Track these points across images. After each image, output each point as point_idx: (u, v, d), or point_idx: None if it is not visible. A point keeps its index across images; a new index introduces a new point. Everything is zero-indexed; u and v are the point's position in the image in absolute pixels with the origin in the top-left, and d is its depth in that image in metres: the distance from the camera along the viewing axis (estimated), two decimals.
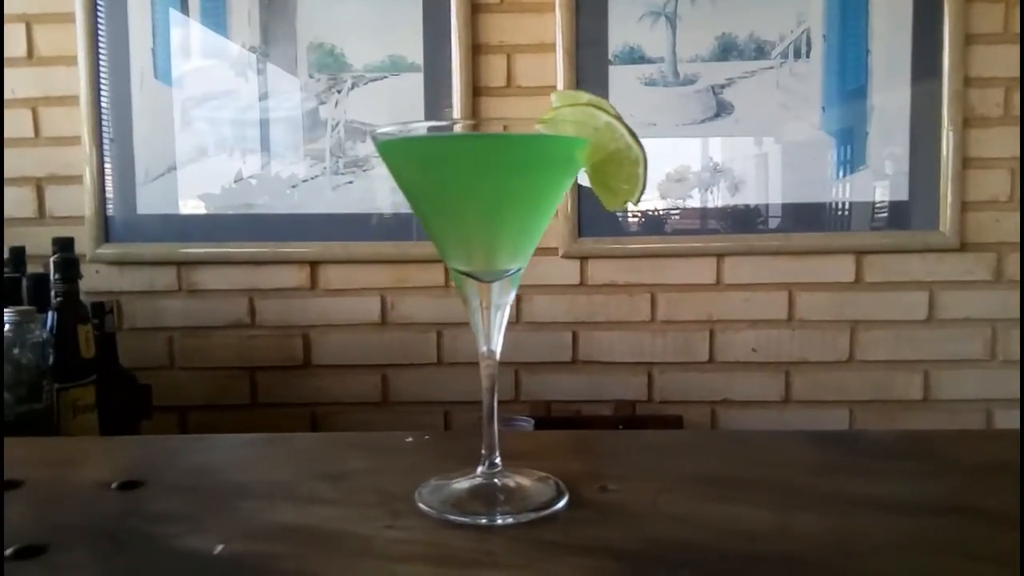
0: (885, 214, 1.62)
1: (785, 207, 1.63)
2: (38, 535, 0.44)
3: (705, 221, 1.64)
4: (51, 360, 1.21)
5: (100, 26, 1.61)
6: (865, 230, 1.62)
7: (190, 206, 1.67)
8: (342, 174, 1.64)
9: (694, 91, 1.61)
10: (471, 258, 0.47)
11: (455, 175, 0.45)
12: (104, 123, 1.63)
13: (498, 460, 0.50)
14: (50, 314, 1.28)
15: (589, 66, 1.60)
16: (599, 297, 1.65)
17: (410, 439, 0.62)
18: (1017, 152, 1.59)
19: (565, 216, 1.61)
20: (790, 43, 1.59)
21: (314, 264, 1.67)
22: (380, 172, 1.64)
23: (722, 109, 1.61)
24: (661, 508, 0.47)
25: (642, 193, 0.47)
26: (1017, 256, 1.61)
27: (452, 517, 0.46)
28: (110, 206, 1.65)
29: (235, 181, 1.65)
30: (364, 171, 1.64)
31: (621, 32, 1.60)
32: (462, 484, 0.50)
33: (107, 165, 1.64)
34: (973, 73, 1.58)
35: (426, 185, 0.47)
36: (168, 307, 1.68)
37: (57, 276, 1.29)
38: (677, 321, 1.66)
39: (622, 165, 0.47)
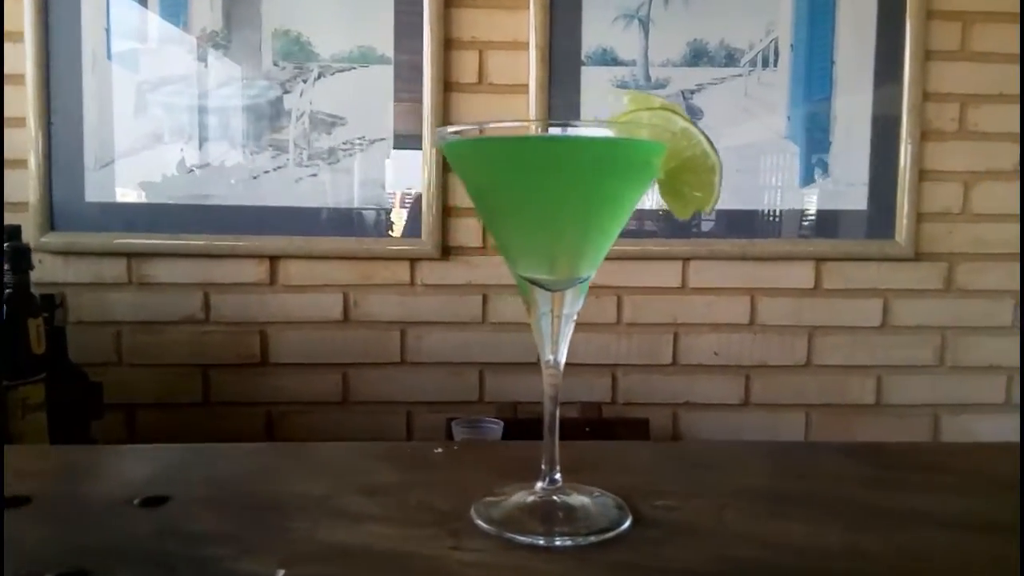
0: (845, 223, 1.66)
1: (748, 213, 1.65)
2: (67, 558, 0.41)
3: (671, 225, 1.65)
4: None
5: (49, 2, 1.52)
6: (825, 238, 1.66)
7: (142, 195, 1.59)
8: (306, 166, 1.59)
9: (664, 95, 1.61)
10: (543, 265, 0.45)
11: (532, 178, 0.43)
12: (51, 105, 1.54)
13: (558, 476, 0.48)
14: None
15: (562, 66, 1.59)
16: None
17: (439, 450, 0.60)
18: (970, 166, 1.65)
19: None
20: (759, 51, 1.61)
21: (274, 259, 1.61)
22: (345, 165, 1.59)
23: (691, 114, 1.61)
24: (728, 526, 0.46)
25: (716, 202, 0.46)
26: (967, 266, 1.67)
27: (518, 537, 0.44)
28: (56, 193, 1.56)
29: (191, 170, 1.58)
30: (329, 164, 1.59)
31: (594, 33, 1.59)
32: (521, 501, 0.48)
33: (53, 149, 1.55)
34: (931, 88, 1.63)
35: (497, 188, 0.45)
36: (117, 300, 1.60)
37: (7, 267, 1.21)
38: (642, 324, 1.66)
39: (697, 173, 0.46)
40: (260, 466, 0.57)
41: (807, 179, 1.65)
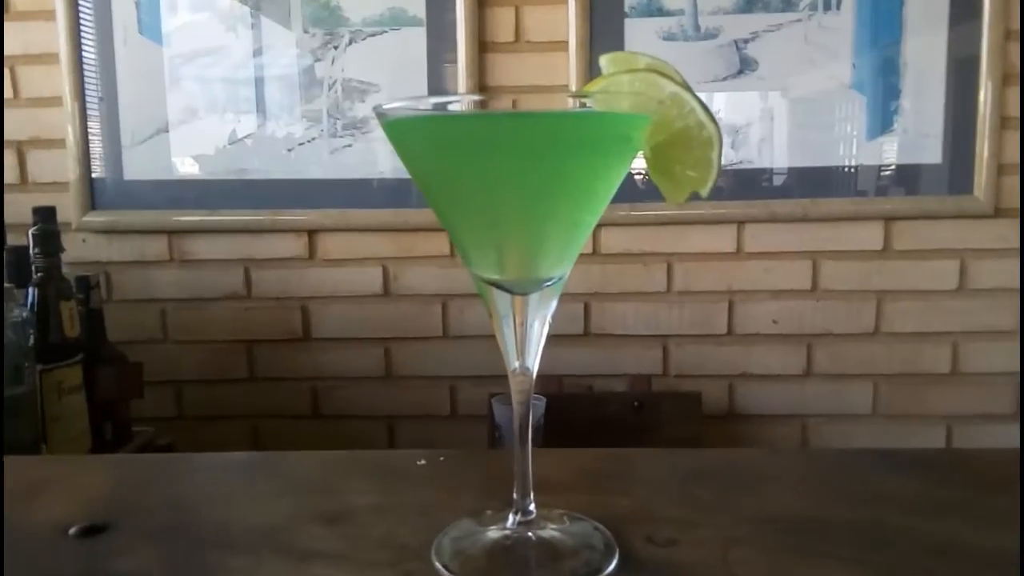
0: (917, 177, 1.53)
1: (810, 170, 1.53)
2: None
3: (726, 186, 1.54)
4: (32, 340, 1.13)
5: None
6: (895, 195, 1.53)
7: (181, 170, 1.57)
8: (340, 136, 1.55)
9: (716, 46, 1.50)
10: (502, 266, 0.39)
11: (482, 163, 0.36)
12: (87, 82, 1.53)
13: (532, 507, 0.42)
14: (30, 290, 1.20)
15: (604, 19, 1.50)
16: (613, 267, 1.56)
17: (423, 462, 0.54)
18: None
19: None
20: None
21: (312, 232, 1.58)
22: (380, 134, 1.53)
23: (746, 65, 1.50)
24: (733, 569, 0.39)
25: (715, 183, 0.39)
26: None
27: None
28: (96, 171, 1.56)
29: (228, 144, 1.56)
30: (364, 133, 1.54)
31: None
32: (490, 537, 0.42)
33: (91, 127, 1.54)
34: (1014, 25, 1.47)
35: (444, 176, 0.39)
36: (160, 278, 1.60)
37: (37, 250, 1.21)
38: (694, 292, 1.58)
39: (690, 148, 0.38)
40: (225, 486, 0.52)
41: (875, 132, 1.52)
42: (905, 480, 0.50)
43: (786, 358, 1.60)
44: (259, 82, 1.54)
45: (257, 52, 1.54)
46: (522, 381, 0.41)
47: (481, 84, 1.51)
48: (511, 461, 0.55)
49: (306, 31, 1.52)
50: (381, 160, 1.55)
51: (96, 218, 1.56)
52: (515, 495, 0.42)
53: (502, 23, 1.52)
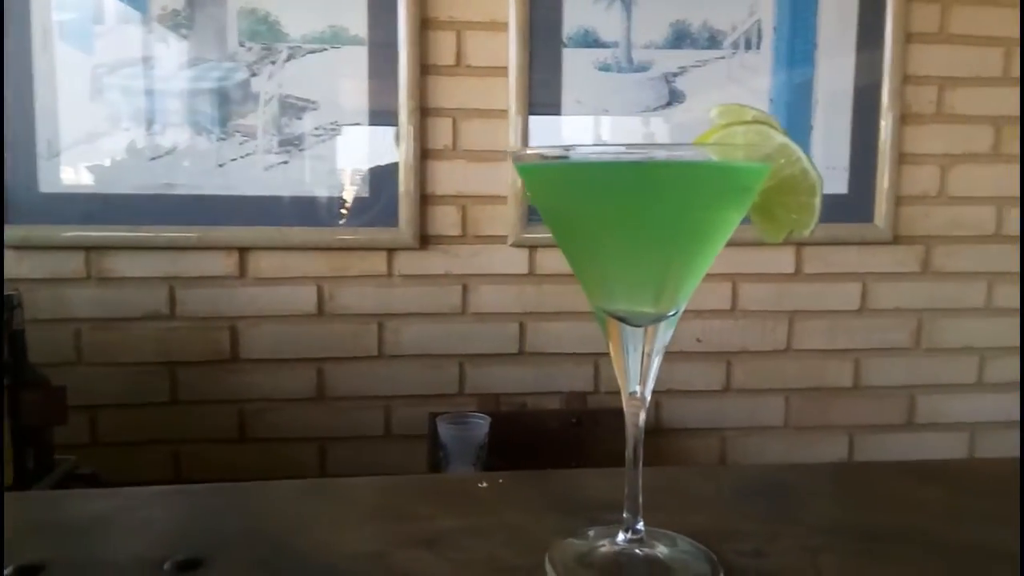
0: (825, 207, 1.64)
1: None
2: None
3: None
4: None
5: None
6: None
7: (100, 184, 1.50)
8: (276, 153, 1.52)
9: (647, 78, 1.57)
10: (631, 300, 0.41)
11: (612, 207, 0.39)
12: None
13: (641, 526, 0.44)
14: None
15: (542, 47, 1.54)
16: (548, 287, 1.60)
17: (484, 484, 0.55)
18: (947, 149, 1.66)
19: (515, 203, 1.55)
20: (742, 33, 1.58)
21: (243, 250, 1.54)
22: (317, 151, 1.52)
23: (674, 97, 1.58)
24: (827, 574, 0.43)
25: (816, 224, 0.43)
26: (943, 249, 1.68)
27: None
28: (7, 183, 1.46)
29: (153, 158, 1.50)
30: (300, 150, 1.52)
31: (576, 13, 1.54)
32: (602, 553, 0.44)
33: (4, 137, 1.45)
34: (911, 71, 1.62)
35: (574, 218, 0.41)
36: (75, 296, 1.51)
37: None
38: None
39: (796, 193, 0.42)
40: (296, 511, 0.52)
41: None
42: (927, 488, 0.56)
43: (707, 374, 1.68)
44: (188, 95, 1.49)
45: (188, 64, 1.49)
46: (636, 404, 0.44)
47: (422, 106, 1.52)
48: (566, 480, 0.58)
49: (242, 44, 1.49)
50: (317, 178, 1.53)
51: (7, 233, 1.45)
52: (625, 514, 0.44)
53: (443, 46, 1.53)
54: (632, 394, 0.44)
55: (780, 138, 0.42)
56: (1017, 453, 1.73)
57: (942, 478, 0.58)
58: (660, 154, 0.40)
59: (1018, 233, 1.68)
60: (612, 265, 0.41)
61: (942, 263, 1.69)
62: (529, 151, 0.40)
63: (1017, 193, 1.66)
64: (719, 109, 0.43)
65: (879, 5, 1.59)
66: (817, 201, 0.42)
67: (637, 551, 0.44)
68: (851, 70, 1.61)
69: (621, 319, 0.42)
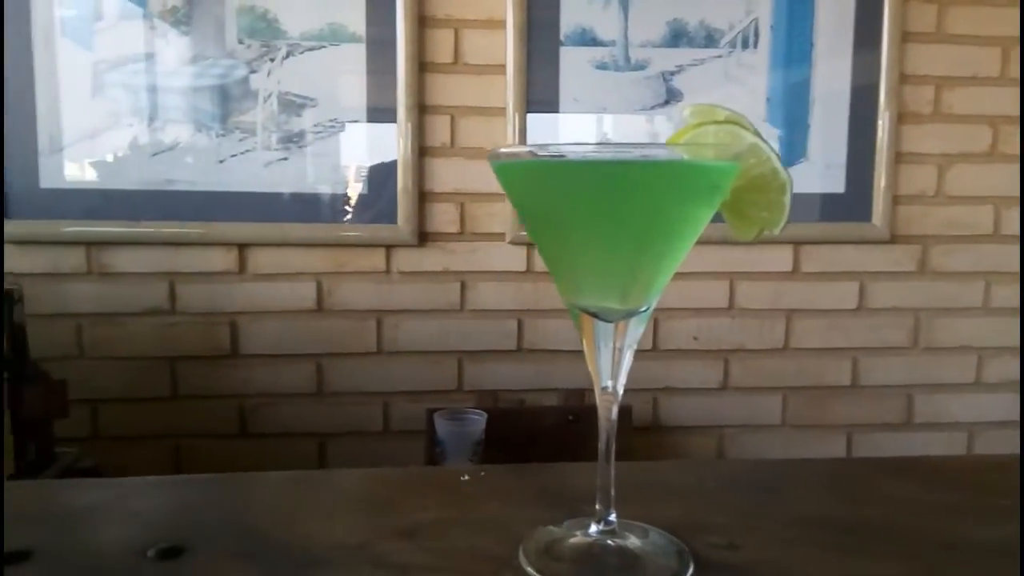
0: (823, 206, 1.65)
1: None
2: None
3: None
4: None
5: None
6: (803, 221, 1.66)
7: (101, 180, 1.51)
8: (275, 150, 1.53)
9: (644, 77, 1.58)
10: (603, 295, 0.42)
11: (584, 205, 0.40)
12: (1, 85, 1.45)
13: (613, 517, 0.45)
14: None
15: (540, 46, 1.55)
16: (545, 284, 1.61)
17: (466, 477, 0.56)
18: (944, 148, 1.66)
19: None
20: (739, 32, 1.59)
21: (243, 246, 1.55)
22: (316, 148, 1.53)
23: (672, 96, 1.59)
24: (803, 567, 0.44)
25: (786, 222, 0.43)
26: (940, 248, 1.69)
27: None
28: (8, 178, 1.47)
29: (154, 154, 1.51)
30: (299, 147, 1.53)
31: (573, 12, 1.55)
32: (574, 544, 0.45)
33: (5, 132, 1.46)
34: (908, 70, 1.63)
35: (549, 215, 0.42)
36: (76, 291, 1.53)
37: None
38: None
39: (765, 192, 0.43)
40: (279, 502, 0.53)
41: (787, 162, 1.63)
42: (906, 484, 0.56)
43: (705, 372, 1.69)
44: (189, 91, 1.51)
45: (188, 61, 1.50)
46: (609, 399, 0.45)
47: (420, 103, 1.53)
48: (549, 473, 0.59)
49: (241, 42, 1.50)
50: (316, 175, 1.54)
51: (9, 228, 1.47)
52: (597, 505, 0.45)
53: (441, 44, 1.54)
54: (604, 389, 0.44)
55: (750, 138, 0.42)
56: (1018, 452, 1.74)
57: (921, 474, 0.59)
58: (630, 153, 0.41)
59: (1016, 232, 1.68)
60: (584, 261, 0.42)
61: (940, 262, 1.69)
62: (503, 150, 0.41)
63: (1015, 193, 1.67)
64: (691, 109, 0.44)
65: (876, 4, 1.59)
66: (786, 199, 0.43)
67: (609, 542, 0.45)
68: (848, 69, 1.61)
69: (593, 315, 0.43)
